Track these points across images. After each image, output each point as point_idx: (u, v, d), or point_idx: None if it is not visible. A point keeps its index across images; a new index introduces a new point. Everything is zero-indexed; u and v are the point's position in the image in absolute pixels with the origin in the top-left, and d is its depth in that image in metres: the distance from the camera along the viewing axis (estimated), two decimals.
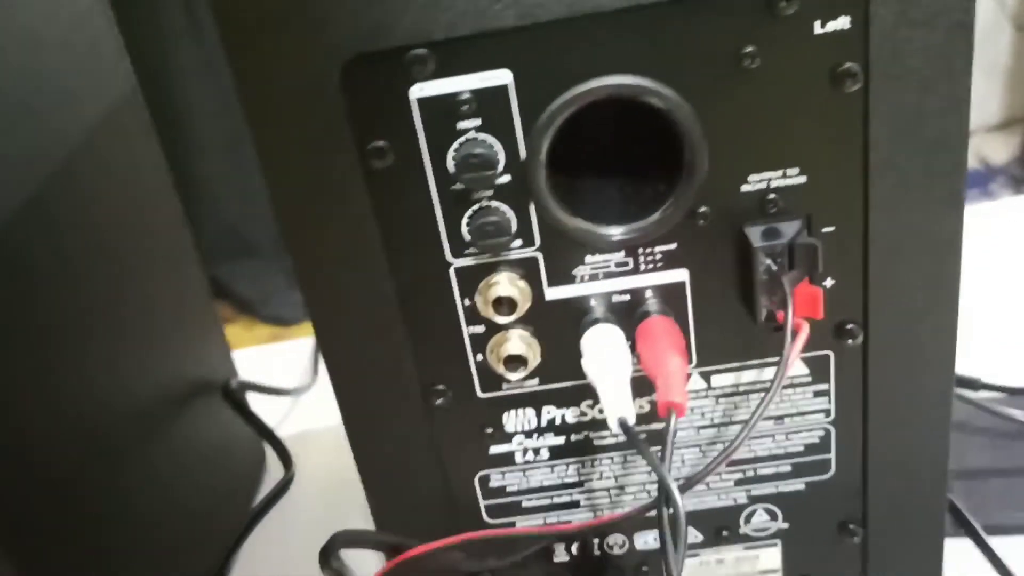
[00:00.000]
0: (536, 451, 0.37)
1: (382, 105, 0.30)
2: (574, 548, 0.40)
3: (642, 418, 0.36)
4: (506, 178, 0.31)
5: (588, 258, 0.33)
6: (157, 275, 0.47)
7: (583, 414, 0.36)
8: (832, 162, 0.31)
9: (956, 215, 0.32)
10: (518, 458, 0.37)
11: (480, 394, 0.36)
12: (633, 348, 0.33)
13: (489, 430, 0.36)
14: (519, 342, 0.34)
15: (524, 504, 0.38)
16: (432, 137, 0.30)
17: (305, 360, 0.67)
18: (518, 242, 0.32)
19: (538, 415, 0.36)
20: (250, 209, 1.73)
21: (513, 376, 0.34)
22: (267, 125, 0.30)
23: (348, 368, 0.35)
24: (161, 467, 0.45)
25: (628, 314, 0.34)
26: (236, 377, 0.54)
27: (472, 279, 0.33)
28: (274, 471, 0.56)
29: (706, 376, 0.35)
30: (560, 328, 0.34)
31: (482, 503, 0.38)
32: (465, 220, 0.32)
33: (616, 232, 0.32)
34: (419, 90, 0.30)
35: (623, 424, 0.31)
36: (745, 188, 0.31)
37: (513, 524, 0.39)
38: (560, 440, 0.37)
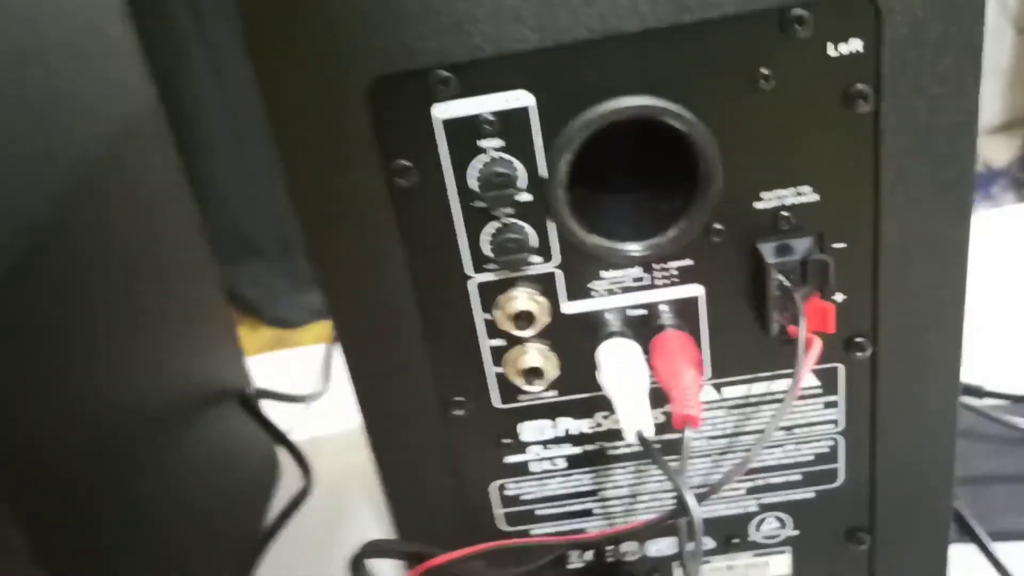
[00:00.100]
0: (552, 461, 0.38)
1: (407, 125, 0.31)
2: (588, 555, 0.40)
3: (656, 429, 0.36)
4: (526, 196, 0.32)
5: (605, 273, 0.34)
6: (176, 283, 0.48)
7: (598, 425, 0.37)
8: (844, 180, 0.32)
9: (963, 232, 0.33)
10: (534, 468, 0.38)
11: (498, 405, 0.36)
12: (648, 361, 0.34)
13: (506, 440, 0.37)
14: (537, 355, 0.35)
15: (539, 512, 0.39)
16: (455, 156, 0.31)
17: (312, 367, 0.68)
18: (537, 258, 0.33)
19: (554, 426, 0.37)
20: (255, 212, 1.74)
21: (531, 388, 0.35)
22: (295, 144, 0.31)
23: (370, 379, 0.36)
24: (179, 473, 0.45)
25: (643, 328, 0.34)
26: (251, 385, 0.55)
27: (492, 294, 0.34)
28: (286, 477, 0.57)
29: (718, 387, 0.36)
30: (577, 341, 0.35)
31: (498, 511, 0.39)
32: (486, 237, 0.33)
33: (632, 248, 0.33)
34: (443, 110, 0.30)
35: (640, 436, 0.31)
36: (759, 205, 0.32)
37: (528, 532, 0.39)
38: (575, 450, 0.38)
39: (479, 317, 0.34)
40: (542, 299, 0.34)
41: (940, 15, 0.29)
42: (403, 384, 0.36)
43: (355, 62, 0.30)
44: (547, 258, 0.33)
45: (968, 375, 0.36)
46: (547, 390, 0.36)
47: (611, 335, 0.34)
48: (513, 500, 0.39)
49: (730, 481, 0.32)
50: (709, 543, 0.40)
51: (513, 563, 0.37)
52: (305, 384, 0.64)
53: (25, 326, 0.34)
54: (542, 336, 0.35)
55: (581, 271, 0.34)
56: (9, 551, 0.32)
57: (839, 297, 0.34)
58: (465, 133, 0.31)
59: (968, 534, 0.43)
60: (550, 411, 0.37)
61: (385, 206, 0.32)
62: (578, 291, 0.34)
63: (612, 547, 0.40)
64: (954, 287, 0.34)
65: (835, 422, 0.37)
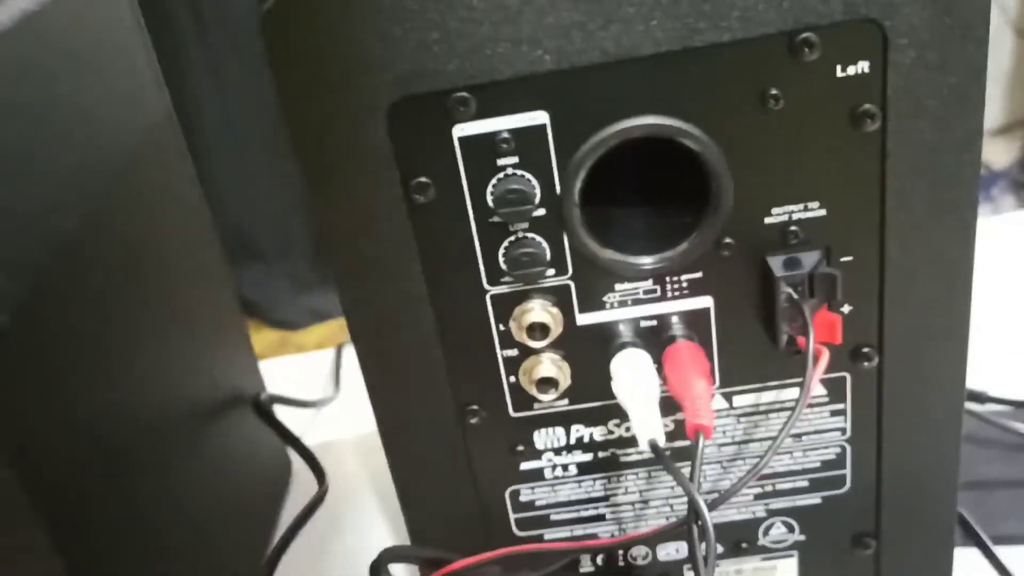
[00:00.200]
0: (565, 467, 0.39)
1: (426, 143, 0.32)
2: (599, 559, 0.41)
3: (667, 436, 0.37)
4: (541, 211, 0.33)
5: (618, 286, 0.35)
6: (194, 289, 0.48)
7: (610, 432, 0.38)
8: (851, 196, 0.33)
9: (968, 244, 0.34)
10: (547, 474, 0.39)
11: (512, 414, 0.37)
12: (660, 371, 0.35)
13: (520, 447, 0.38)
14: (551, 365, 0.36)
15: (552, 517, 0.40)
16: (472, 173, 0.32)
17: (319, 373, 0.69)
18: (551, 271, 0.34)
19: (567, 433, 0.38)
20: (256, 214, 1.74)
21: (544, 397, 0.36)
22: (317, 161, 0.32)
23: (387, 388, 0.37)
24: (197, 476, 0.46)
25: (655, 339, 0.35)
26: (265, 390, 0.56)
27: (507, 306, 0.35)
28: (298, 481, 0.58)
29: (728, 396, 0.37)
30: (590, 352, 0.36)
31: (512, 517, 0.40)
32: (502, 251, 0.34)
33: (645, 262, 0.34)
34: (461, 130, 0.31)
35: (653, 445, 0.32)
36: (768, 220, 0.33)
37: (541, 537, 0.40)
38: (588, 457, 0.39)
39: (494, 328, 0.35)
40: (556, 311, 0.35)
41: (944, 38, 0.30)
42: (420, 393, 0.37)
43: (377, 84, 0.31)
44: (561, 271, 0.34)
45: (971, 381, 0.37)
46: (560, 399, 0.37)
47: (623, 346, 0.35)
48: (527, 506, 0.40)
49: (742, 488, 0.33)
50: (718, 548, 0.41)
51: (527, 567, 0.38)
52: (312, 390, 0.64)
53: (51, 334, 0.35)
54: (555, 346, 0.36)
55: (594, 284, 0.35)
56: (31, 548, 0.33)
57: (846, 308, 0.35)
58: (482, 151, 0.32)
59: (972, 538, 0.44)
60: (563, 419, 0.38)
61: (404, 221, 0.33)
62: (591, 303, 0.35)
63: (623, 552, 0.41)
64: (958, 299, 0.34)
65: (842, 430, 0.38)
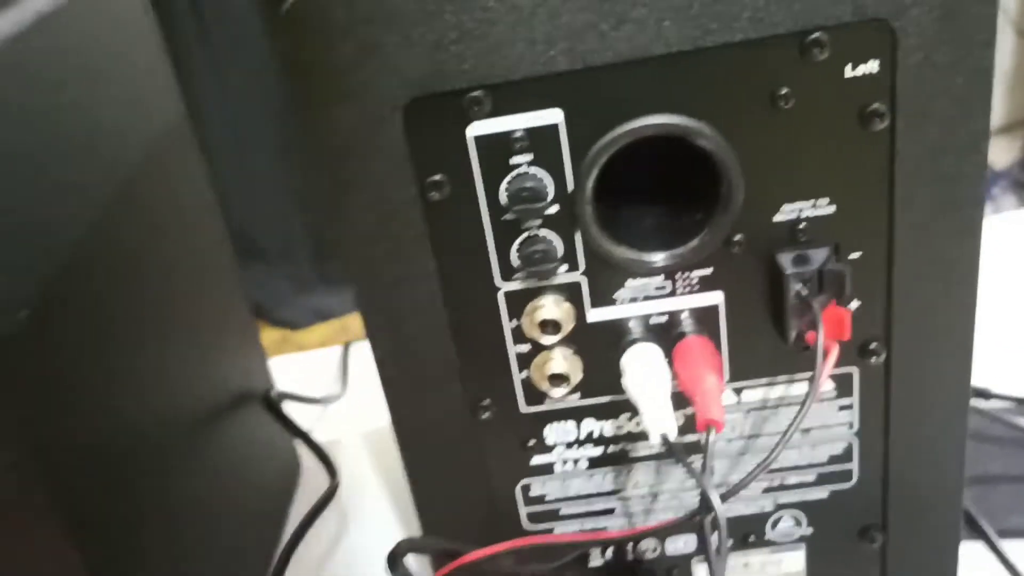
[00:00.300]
0: (575, 462, 0.39)
1: (441, 142, 0.32)
2: (609, 552, 0.42)
3: (677, 431, 0.38)
4: (554, 208, 0.33)
5: (629, 282, 0.35)
6: (206, 288, 0.49)
7: (620, 427, 0.39)
8: (859, 194, 0.33)
9: (974, 241, 0.34)
10: (558, 468, 0.39)
11: (524, 408, 0.38)
12: (670, 366, 0.36)
13: (532, 442, 0.39)
14: (562, 360, 0.36)
15: (562, 511, 0.41)
16: (487, 171, 0.33)
17: (324, 370, 0.69)
18: (564, 267, 0.35)
19: (578, 428, 0.38)
20: (258, 215, 1.75)
21: (556, 392, 0.37)
22: (333, 159, 0.32)
23: (401, 383, 0.37)
24: (209, 471, 0.47)
25: (665, 334, 0.36)
26: (274, 386, 0.56)
27: (519, 302, 0.35)
28: (305, 477, 0.58)
29: (737, 391, 0.38)
30: (601, 347, 0.36)
31: (523, 510, 0.40)
32: (515, 247, 0.34)
33: (656, 258, 0.34)
34: (476, 128, 0.32)
35: (665, 439, 0.33)
36: (778, 218, 0.34)
37: (551, 530, 0.41)
38: (598, 451, 0.39)
39: (507, 324, 0.36)
40: (568, 307, 0.35)
41: (953, 39, 0.30)
42: (433, 388, 0.37)
43: (393, 84, 0.31)
44: (573, 267, 0.35)
45: (975, 378, 0.37)
46: (571, 394, 0.37)
47: (633, 341, 0.36)
48: (538, 499, 0.40)
49: (752, 481, 0.33)
50: (727, 541, 0.41)
51: (538, 560, 0.39)
52: (317, 387, 0.65)
53: (67, 334, 0.35)
54: (567, 342, 0.36)
55: (606, 280, 0.35)
56: (48, 543, 0.33)
57: (854, 304, 0.35)
58: (497, 149, 0.32)
59: (977, 532, 0.45)
60: (574, 414, 0.38)
61: (419, 219, 0.34)
62: (602, 299, 0.35)
63: (632, 545, 0.42)
64: (964, 295, 0.35)
65: (849, 424, 0.38)
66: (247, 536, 0.50)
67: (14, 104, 0.34)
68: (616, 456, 0.39)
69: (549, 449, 0.39)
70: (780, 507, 0.40)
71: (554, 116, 0.32)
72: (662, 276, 0.35)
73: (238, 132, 1.66)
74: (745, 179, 0.33)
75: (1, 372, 0.30)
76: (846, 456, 0.39)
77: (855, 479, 0.39)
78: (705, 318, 0.36)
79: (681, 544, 0.42)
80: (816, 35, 0.30)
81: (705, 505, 0.31)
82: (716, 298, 0.35)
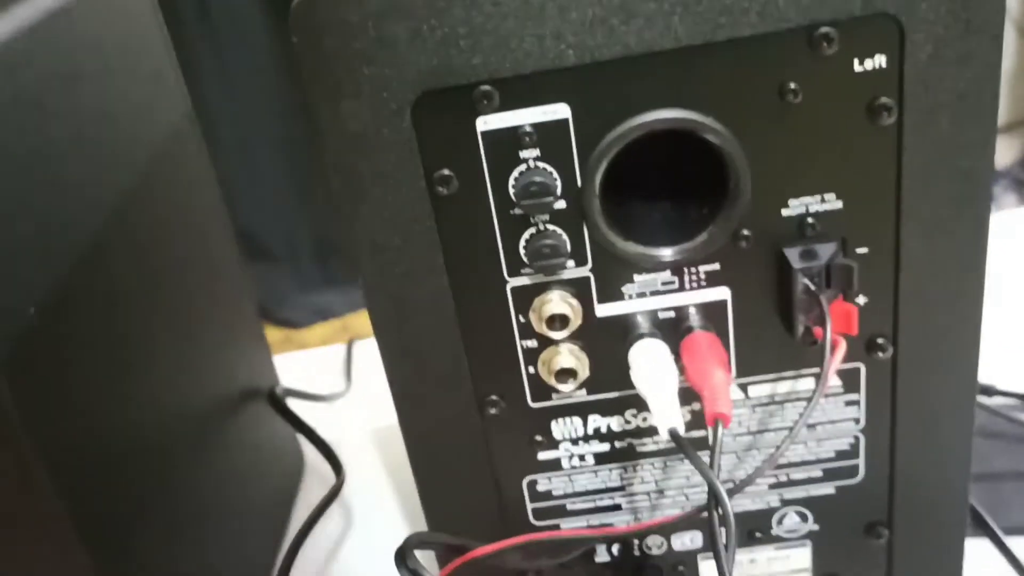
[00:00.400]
0: (582, 457, 0.39)
1: (449, 136, 0.32)
2: (615, 549, 0.42)
3: (684, 426, 0.38)
4: (562, 203, 0.33)
5: (636, 277, 0.35)
6: (211, 285, 0.49)
7: (627, 422, 0.39)
8: (867, 188, 0.33)
9: (981, 237, 0.34)
10: (565, 464, 0.39)
11: (531, 404, 0.38)
12: (677, 361, 0.36)
13: (538, 437, 0.39)
14: (569, 356, 0.36)
15: (569, 507, 0.41)
16: (495, 166, 0.33)
17: (328, 369, 0.69)
18: (571, 262, 0.35)
19: (585, 423, 0.39)
20: (260, 214, 1.75)
21: (563, 388, 0.37)
22: (342, 154, 0.32)
23: (408, 379, 0.37)
24: (215, 468, 0.47)
25: (673, 329, 0.36)
26: (279, 383, 0.56)
27: (527, 297, 0.35)
28: (310, 472, 0.58)
29: (744, 387, 0.38)
30: (608, 342, 0.36)
31: (529, 506, 0.40)
32: (523, 242, 0.34)
33: (664, 253, 0.35)
34: (484, 123, 0.32)
35: (674, 433, 0.33)
36: (785, 212, 0.34)
37: (558, 526, 0.41)
38: (605, 447, 0.39)
39: (514, 320, 0.36)
40: (575, 302, 0.35)
41: (961, 34, 0.30)
42: (440, 384, 0.37)
43: (403, 78, 0.31)
44: (581, 263, 0.35)
45: (980, 374, 0.37)
46: (578, 389, 0.38)
47: (641, 336, 0.36)
48: (544, 495, 0.40)
49: (759, 476, 0.34)
50: None
51: (545, 555, 0.39)
52: (320, 385, 0.65)
53: (76, 330, 0.35)
54: (574, 337, 0.36)
55: (613, 275, 0.35)
56: (58, 540, 0.33)
57: (861, 300, 0.35)
58: (505, 144, 0.32)
59: (982, 528, 0.45)
60: (581, 409, 0.38)
61: (427, 213, 0.34)
62: (610, 294, 0.35)
63: (639, 541, 0.42)
64: (972, 291, 0.35)
65: (856, 420, 0.38)
66: (252, 533, 0.50)
67: (26, 99, 0.34)
68: (622, 452, 0.39)
69: (556, 445, 0.39)
70: (786, 503, 0.40)
71: (563, 111, 0.32)
72: (669, 271, 0.35)
73: (240, 133, 1.66)
74: (753, 174, 0.33)
75: (9, 369, 0.30)
76: (852, 452, 0.39)
77: (861, 475, 0.39)
78: (712, 313, 0.36)
79: (688, 540, 0.42)
80: (825, 29, 0.30)
81: (713, 500, 0.31)
82: (723, 293, 0.35)
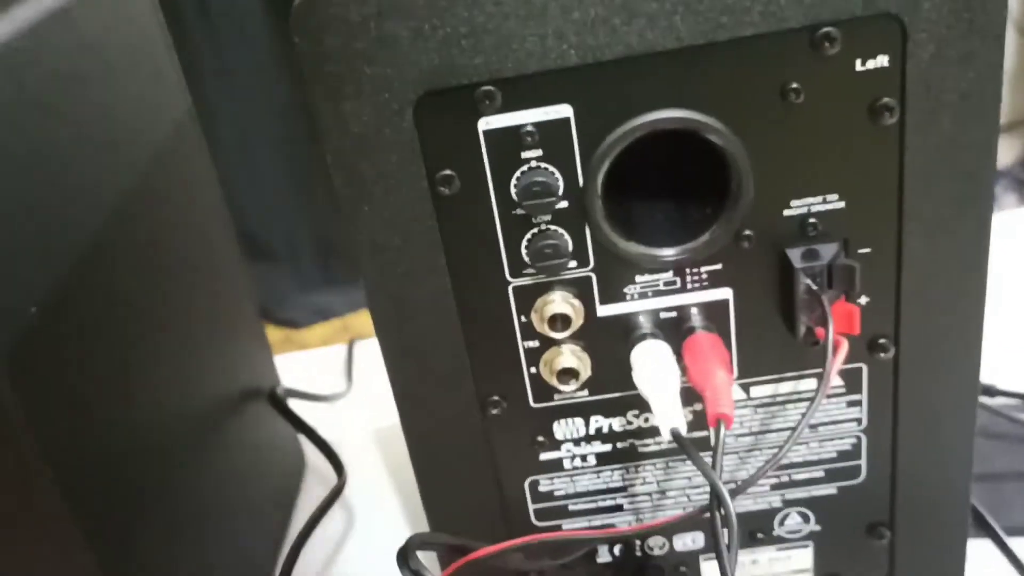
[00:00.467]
0: (584, 458, 0.39)
1: (451, 137, 0.32)
2: (616, 549, 0.42)
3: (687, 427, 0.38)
4: (564, 204, 0.33)
5: (638, 277, 0.35)
6: (212, 285, 0.49)
7: (628, 423, 0.39)
8: (869, 189, 0.33)
9: (983, 237, 0.34)
10: (566, 464, 0.39)
11: (533, 404, 0.38)
12: (679, 361, 0.36)
13: (540, 438, 0.39)
14: (571, 356, 0.36)
15: (570, 508, 0.41)
16: (497, 166, 0.33)
17: (328, 369, 0.69)
18: (573, 263, 0.35)
19: (586, 424, 0.38)
20: (261, 213, 1.75)
21: (565, 388, 0.37)
22: (344, 154, 0.32)
23: (410, 379, 0.37)
24: (216, 468, 0.47)
25: (674, 329, 0.36)
26: (280, 384, 0.56)
27: (529, 297, 0.35)
28: (311, 473, 0.58)
29: (746, 387, 0.38)
30: (609, 343, 0.36)
31: (531, 507, 0.40)
32: (524, 243, 0.34)
33: (666, 253, 0.34)
34: (486, 123, 0.32)
35: (676, 434, 0.33)
36: (787, 213, 0.34)
37: (560, 527, 0.41)
38: (606, 447, 0.39)
39: (516, 320, 0.36)
40: (577, 302, 0.35)
41: (963, 34, 0.30)
42: (442, 384, 0.37)
43: (405, 78, 0.31)
44: (583, 263, 0.35)
45: (981, 374, 0.37)
46: (580, 390, 0.37)
47: (643, 337, 0.36)
48: (546, 495, 0.40)
49: (762, 477, 0.33)
50: None
51: (548, 556, 0.39)
52: (321, 385, 0.65)
53: (78, 330, 0.35)
54: (576, 338, 0.36)
55: (615, 275, 0.35)
56: (63, 541, 0.33)
57: (863, 300, 0.35)
58: (507, 144, 0.32)
59: (984, 528, 0.45)
60: (582, 410, 0.38)
61: (428, 214, 0.34)
62: (612, 294, 0.35)
63: (640, 542, 0.42)
64: (973, 291, 0.35)
65: (858, 420, 0.38)
66: (253, 533, 0.50)
67: (27, 99, 0.34)
68: (624, 453, 0.39)
69: (557, 445, 0.39)
70: (788, 504, 0.40)
71: (565, 111, 0.32)
72: (671, 271, 0.35)
73: (240, 133, 1.66)
74: (755, 174, 0.33)
75: (11, 369, 0.30)
76: (854, 452, 0.39)
77: (863, 476, 0.39)
78: (714, 313, 0.36)
79: (689, 541, 0.42)
80: (827, 29, 0.30)
81: (716, 501, 0.31)
82: (725, 293, 0.35)
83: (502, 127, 0.32)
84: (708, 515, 0.32)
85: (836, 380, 0.37)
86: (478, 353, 0.36)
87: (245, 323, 0.53)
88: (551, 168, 0.33)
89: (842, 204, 0.33)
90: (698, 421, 0.38)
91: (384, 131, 0.32)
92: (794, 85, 0.31)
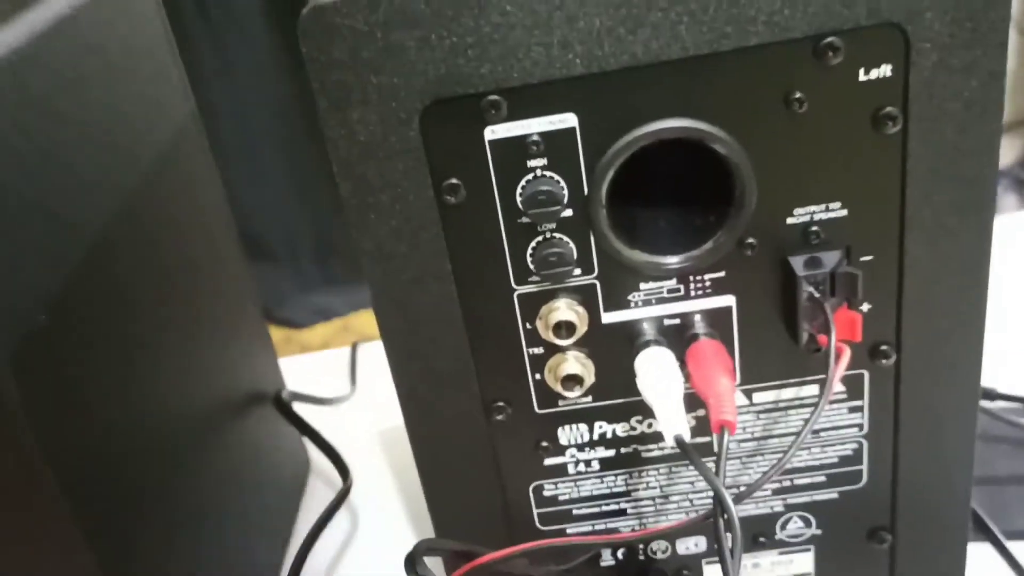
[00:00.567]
0: (588, 463, 0.40)
1: (457, 146, 0.32)
2: (620, 553, 0.42)
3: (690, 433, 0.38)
4: (569, 212, 0.34)
5: (642, 285, 0.35)
6: (216, 288, 0.49)
7: (632, 429, 0.39)
8: (871, 197, 0.33)
9: (985, 245, 0.34)
10: (570, 469, 0.40)
11: (537, 410, 0.38)
12: (683, 368, 0.36)
13: (545, 443, 0.39)
14: (575, 363, 0.36)
15: (574, 512, 0.41)
16: (502, 175, 0.33)
17: (331, 371, 0.69)
18: (578, 270, 0.35)
19: (590, 430, 0.39)
20: (262, 214, 1.75)
21: (569, 394, 0.37)
22: (351, 162, 0.33)
23: (415, 385, 0.37)
24: (221, 472, 0.47)
25: (678, 336, 0.36)
26: (285, 387, 0.57)
27: (534, 305, 0.35)
28: (315, 476, 0.58)
29: (748, 394, 0.38)
30: (614, 349, 0.36)
31: (535, 512, 0.41)
32: (530, 251, 0.34)
33: (669, 261, 0.35)
34: (492, 132, 0.32)
35: (679, 440, 0.33)
36: (790, 221, 0.34)
37: (563, 531, 0.41)
38: (610, 453, 0.39)
39: (521, 327, 0.36)
40: (582, 310, 0.36)
41: (966, 43, 0.30)
42: (447, 390, 0.37)
43: (411, 87, 0.31)
44: (587, 270, 0.35)
45: (982, 378, 0.37)
46: (584, 396, 0.38)
47: (647, 343, 0.36)
48: (550, 500, 0.40)
49: (765, 483, 0.34)
50: None
51: (552, 560, 0.39)
52: (324, 388, 0.65)
53: (83, 333, 0.36)
54: (581, 344, 0.36)
55: (619, 283, 0.35)
56: (64, 542, 0.34)
57: (865, 307, 0.35)
58: (513, 153, 0.33)
59: (984, 533, 0.45)
60: (587, 416, 0.38)
61: (434, 222, 0.34)
62: (616, 302, 0.36)
63: (643, 546, 0.42)
64: (975, 298, 0.35)
65: (860, 426, 0.38)
66: (258, 536, 0.50)
67: (34, 103, 0.34)
68: (628, 458, 0.40)
69: (562, 451, 0.39)
70: (790, 508, 0.41)
71: (570, 120, 0.32)
72: (675, 279, 0.35)
73: (241, 133, 1.66)
74: (758, 182, 0.33)
75: (14, 368, 0.31)
76: (856, 458, 0.39)
77: (864, 481, 0.40)
78: (717, 320, 0.36)
79: (692, 545, 0.42)
80: (830, 39, 0.31)
81: (719, 507, 0.32)
82: (728, 301, 0.36)
83: (508, 136, 0.32)
84: (711, 520, 0.32)
85: (837, 386, 0.38)
86: (483, 359, 0.37)
87: (249, 325, 0.53)
88: (556, 177, 0.33)
89: (845, 212, 0.34)
90: (701, 427, 0.38)
91: (391, 139, 0.32)
92: (798, 94, 0.32)
